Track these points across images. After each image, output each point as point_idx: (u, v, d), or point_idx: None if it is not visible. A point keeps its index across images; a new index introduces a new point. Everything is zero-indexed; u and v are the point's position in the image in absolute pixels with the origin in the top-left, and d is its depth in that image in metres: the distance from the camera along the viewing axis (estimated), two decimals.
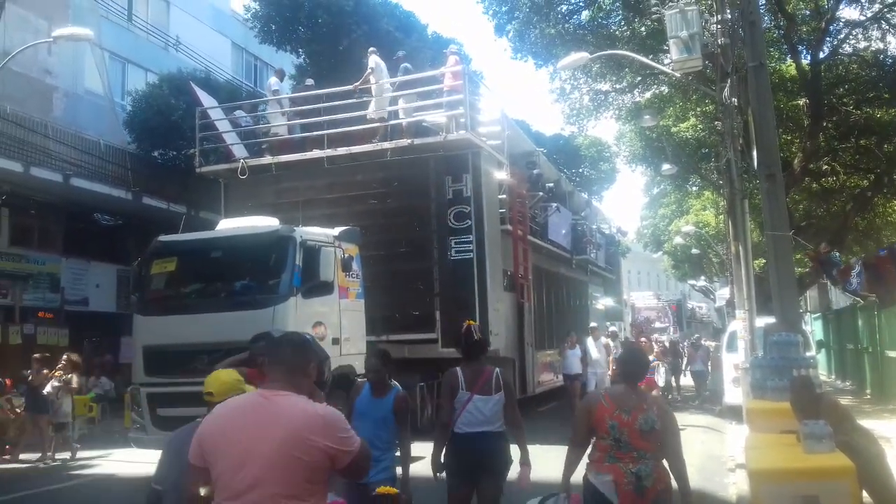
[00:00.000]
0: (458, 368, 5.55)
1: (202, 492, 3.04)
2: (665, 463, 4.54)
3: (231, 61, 27.02)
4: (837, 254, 21.62)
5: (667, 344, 22.81)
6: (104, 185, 20.00)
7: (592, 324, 17.61)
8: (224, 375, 4.15)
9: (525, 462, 5.48)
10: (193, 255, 11.67)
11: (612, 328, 19.76)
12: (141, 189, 20.80)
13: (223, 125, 16.77)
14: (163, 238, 11.91)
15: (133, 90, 21.82)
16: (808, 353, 9.36)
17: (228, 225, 12.44)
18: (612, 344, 17.24)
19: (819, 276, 18.67)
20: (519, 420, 5.61)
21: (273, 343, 3.58)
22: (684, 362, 22.98)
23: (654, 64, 17.00)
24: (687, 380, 22.69)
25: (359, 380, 9.66)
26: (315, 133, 15.62)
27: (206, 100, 17.33)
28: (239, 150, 16.30)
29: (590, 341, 16.46)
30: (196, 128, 16.25)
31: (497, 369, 5.56)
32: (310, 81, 18.17)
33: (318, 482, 2.93)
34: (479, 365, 5.53)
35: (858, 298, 19.85)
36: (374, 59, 15.34)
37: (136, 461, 12.07)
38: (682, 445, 4.67)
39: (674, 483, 4.55)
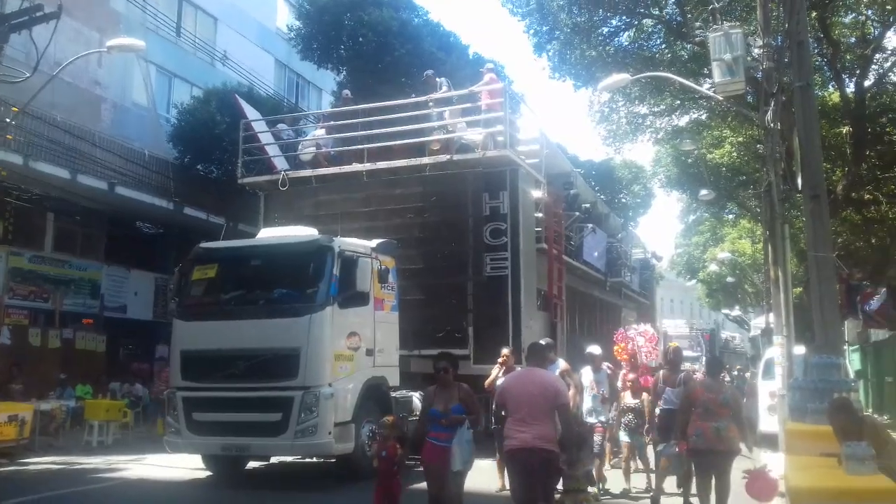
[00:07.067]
0: (660, 373, 10.62)
1: (502, 413, 6.48)
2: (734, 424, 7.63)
3: (274, 77, 27.42)
4: (867, 283, 21.14)
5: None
6: (147, 194, 20.39)
7: (594, 348, 11.12)
8: None
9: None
10: (234, 262, 11.86)
11: (591, 350, 11.09)
12: (182, 200, 21.15)
13: (266, 137, 17.01)
14: (204, 245, 12.13)
15: (178, 103, 22.24)
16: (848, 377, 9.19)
17: (269, 234, 12.62)
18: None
19: (846, 302, 18.23)
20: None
21: (531, 349, 7.15)
22: None
23: (696, 86, 16.92)
24: None
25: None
26: (354, 147, 15.77)
27: (250, 112, 17.60)
28: (280, 163, 16.50)
29: (586, 372, 10.62)
30: (240, 139, 16.48)
31: (682, 373, 10.16)
32: (346, 92, 18.37)
33: (552, 410, 6.18)
34: (675, 371, 10.24)
35: (871, 323, 19.38)
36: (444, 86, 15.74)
37: (168, 465, 12.16)
38: (742, 411, 8.14)
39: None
